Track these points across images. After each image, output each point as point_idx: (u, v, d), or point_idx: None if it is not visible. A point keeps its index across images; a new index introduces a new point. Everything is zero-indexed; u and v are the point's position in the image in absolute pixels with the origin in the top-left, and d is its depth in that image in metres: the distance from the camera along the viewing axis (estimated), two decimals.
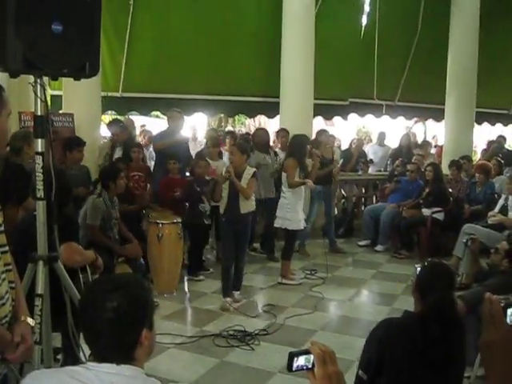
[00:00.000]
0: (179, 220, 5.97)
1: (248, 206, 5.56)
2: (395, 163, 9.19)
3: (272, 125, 10.13)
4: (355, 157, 9.71)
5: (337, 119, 11.57)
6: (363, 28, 10.12)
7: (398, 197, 8.29)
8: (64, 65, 2.69)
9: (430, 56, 10.53)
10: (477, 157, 11.34)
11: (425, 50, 10.58)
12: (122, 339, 1.57)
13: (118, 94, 8.81)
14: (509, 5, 10.35)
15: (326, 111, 10.16)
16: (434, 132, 14.08)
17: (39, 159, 2.70)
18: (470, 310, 3.69)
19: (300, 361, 1.32)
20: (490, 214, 7.06)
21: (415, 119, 14.02)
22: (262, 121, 16.84)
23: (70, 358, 3.55)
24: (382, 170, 10.09)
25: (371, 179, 9.78)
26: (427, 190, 7.85)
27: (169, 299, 5.70)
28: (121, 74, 8.76)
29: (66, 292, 2.94)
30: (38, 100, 2.68)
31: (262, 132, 7.90)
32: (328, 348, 1.33)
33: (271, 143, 8.50)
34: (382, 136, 10.95)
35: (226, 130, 12.48)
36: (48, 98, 2.91)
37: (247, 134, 10.59)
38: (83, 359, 3.17)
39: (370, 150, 10.80)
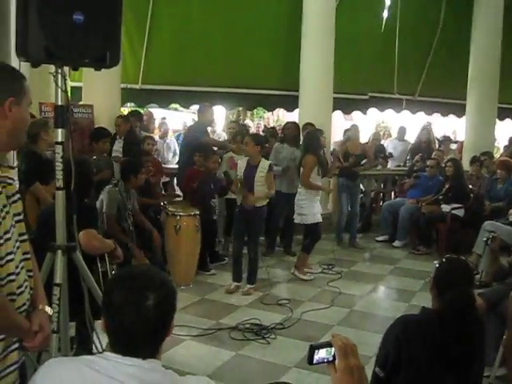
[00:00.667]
0: (197, 212, 5.97)
1: (261, 200, 5.68)
2: (415, 158, 9.10)
3: (290, 119, 10.05)
4: (372, 151, 9.58)
5: (355, 114, 11.48)
6: (384, 22, 10.03)
7: (416, 192, 8.21)
8: (85, 55, 2.69)
9: (452, 50, 10.39)
10: (499, 153, 11.18)
11: (446, 45, 10.43)
12: (157, 335, 1.53)
13: (137, 86, 8.81)
14: None
15: (346, 105, 10.05)
16: (454, 127, 13.89)
17: (59, 149, 2.71)
18: (490, 308, 3.64)
19: (321, 353, 1.30)
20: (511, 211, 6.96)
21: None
22: (280, 114, 16.79)
23: (83, 347, 3.58)
24: (402, 164, 10.01)
25: (390, 174, 9.72)
26: (447, 186, 7.77)
27: (185, 291, 5.70)
28: (140, 65, 8.77)
29: (83, 282, 2.96)
30: (59, 90, 2.69)
31: (292, 125, 7.61)
32: (350, 341, 1.31)
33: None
34: (402, 131, 10.86)
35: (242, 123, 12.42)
36: (68, 89, 2.90)
37: (272, 128, 10.54)
38: (100, 349, 3.19)
39: (390, 145, 10.74)
